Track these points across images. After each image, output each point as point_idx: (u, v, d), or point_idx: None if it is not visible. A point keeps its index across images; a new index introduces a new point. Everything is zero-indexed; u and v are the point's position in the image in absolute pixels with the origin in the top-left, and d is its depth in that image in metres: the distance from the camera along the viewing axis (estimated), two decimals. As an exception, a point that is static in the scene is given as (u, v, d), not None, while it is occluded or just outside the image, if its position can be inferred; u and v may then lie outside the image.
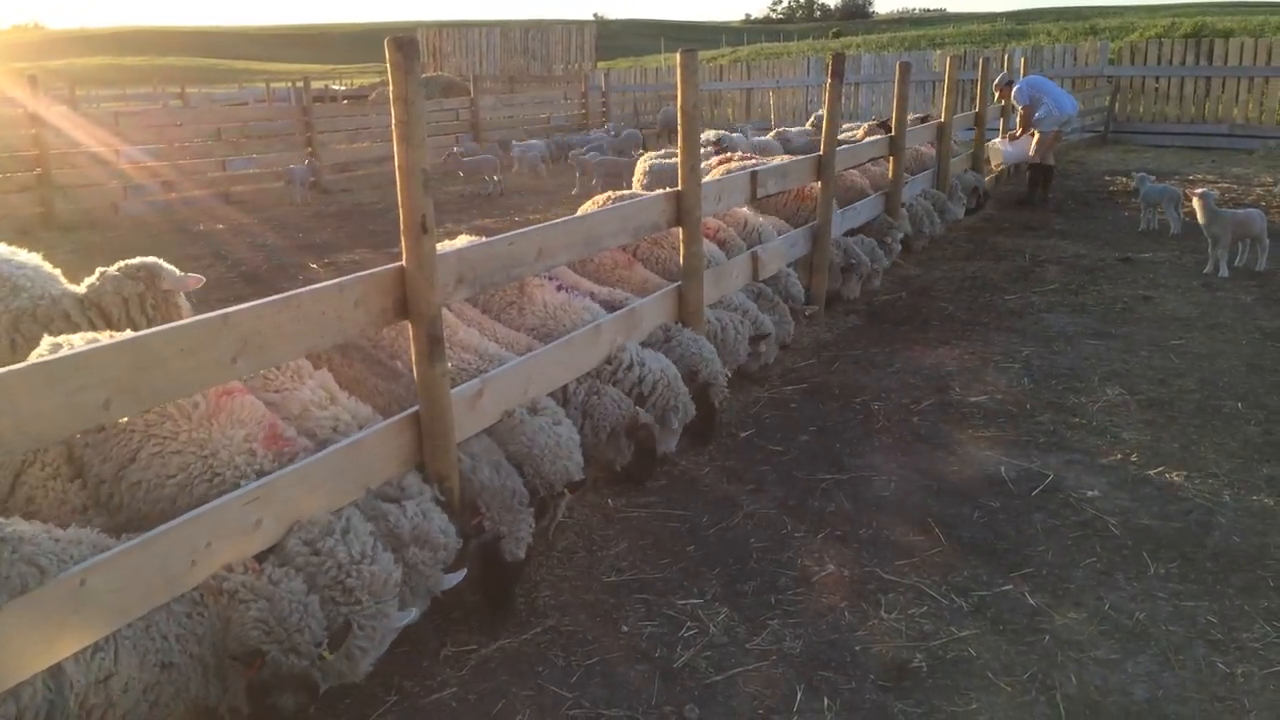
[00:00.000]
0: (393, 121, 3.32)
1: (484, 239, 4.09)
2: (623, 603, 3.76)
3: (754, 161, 8.24)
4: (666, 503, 4.59)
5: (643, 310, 5.08)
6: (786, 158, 8.23)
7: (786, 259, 6.90)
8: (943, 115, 10.93)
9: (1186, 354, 6.37)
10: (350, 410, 3.40)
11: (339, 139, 17.55)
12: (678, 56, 5.14)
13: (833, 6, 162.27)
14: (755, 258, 6.29)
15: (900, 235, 8.74)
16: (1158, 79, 18.74)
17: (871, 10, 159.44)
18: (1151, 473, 4.68)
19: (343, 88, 40.33)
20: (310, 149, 16.40)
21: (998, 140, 13.45)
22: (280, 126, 16.98)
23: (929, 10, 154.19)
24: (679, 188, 5.29)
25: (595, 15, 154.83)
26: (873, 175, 9.45)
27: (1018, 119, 13.23)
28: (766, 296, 6.22)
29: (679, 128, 5.22)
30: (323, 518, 3.01)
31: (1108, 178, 14.66)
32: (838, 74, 7.08)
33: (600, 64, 38.45)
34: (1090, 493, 4.50)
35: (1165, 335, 6.79)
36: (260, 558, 3.00)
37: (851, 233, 8.29)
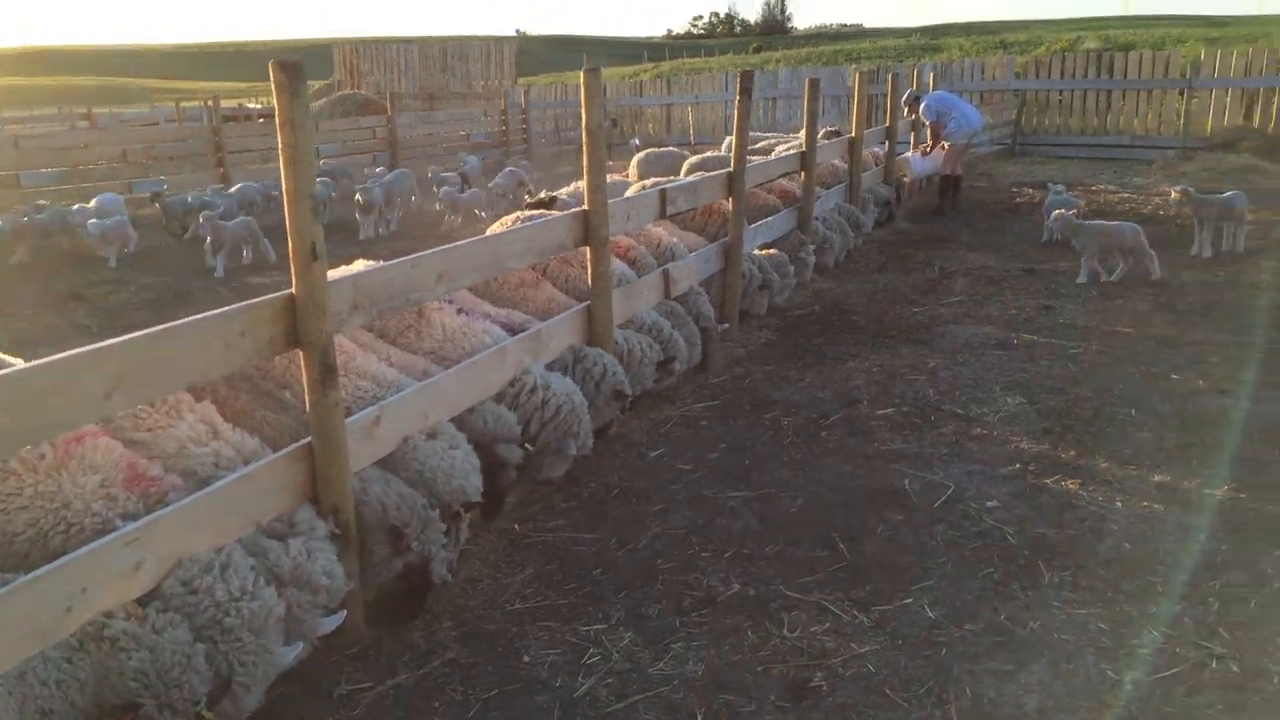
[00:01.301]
0: (279, 145, 3.26)
1: (381, 263, 4.03)
2: (526, 631, 3.72)
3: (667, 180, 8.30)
4: (574, 525, 4.56)
5: (549, 331, 5.06)
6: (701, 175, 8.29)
7: (699, 276, 6.93)
8: (853, 130, 11.12)
9: (1084, 362, 6.55)
10: (235, 444, 3.31)
11: (251, 159, 17.23)
12: (582, 75, 5.14)
13: (753, 22, 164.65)
14: (667, 276, 6.30)
15: (813, 249, 8.85)
16: (1061, 92, 19.32)
17: (791, 26, 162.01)
18: (1049, 481, 4.79)
19: (258, 106, 39.63)
20: (221, 169, 16.07)
21: (909, 153, 13.81)
22: (190, 147, 16.61)
23: (846, 25, 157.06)
24: (585, 207, 5.28)
25: (517, 31, 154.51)
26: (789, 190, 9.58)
27: (928, 134, 13.59)
28: (678, 315, 6.24)
29: (584, 147, 5.21)
30: (203, 556, 2.93)
31: (1014, 189, 15.05)
32: (746, 90, 7.16)
33: (522, 80, 38.41)
34: (990, 503, 4.59)
35: (1065, 344, 6.97)
36: (146, 601, 2.90)
37: (766, 247, 8.39)
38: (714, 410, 5.95)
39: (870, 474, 4.98)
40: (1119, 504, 4.51)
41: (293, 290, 3.32)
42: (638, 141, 22.68)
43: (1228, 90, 17.80)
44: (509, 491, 4.47)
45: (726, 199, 7.37)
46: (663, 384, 5.91)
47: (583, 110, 5.16)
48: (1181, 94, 18.11)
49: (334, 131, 19.13)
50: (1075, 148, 18.88)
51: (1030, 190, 14.58)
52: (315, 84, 38.90)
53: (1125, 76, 18.68)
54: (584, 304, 5.39)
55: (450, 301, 5.00)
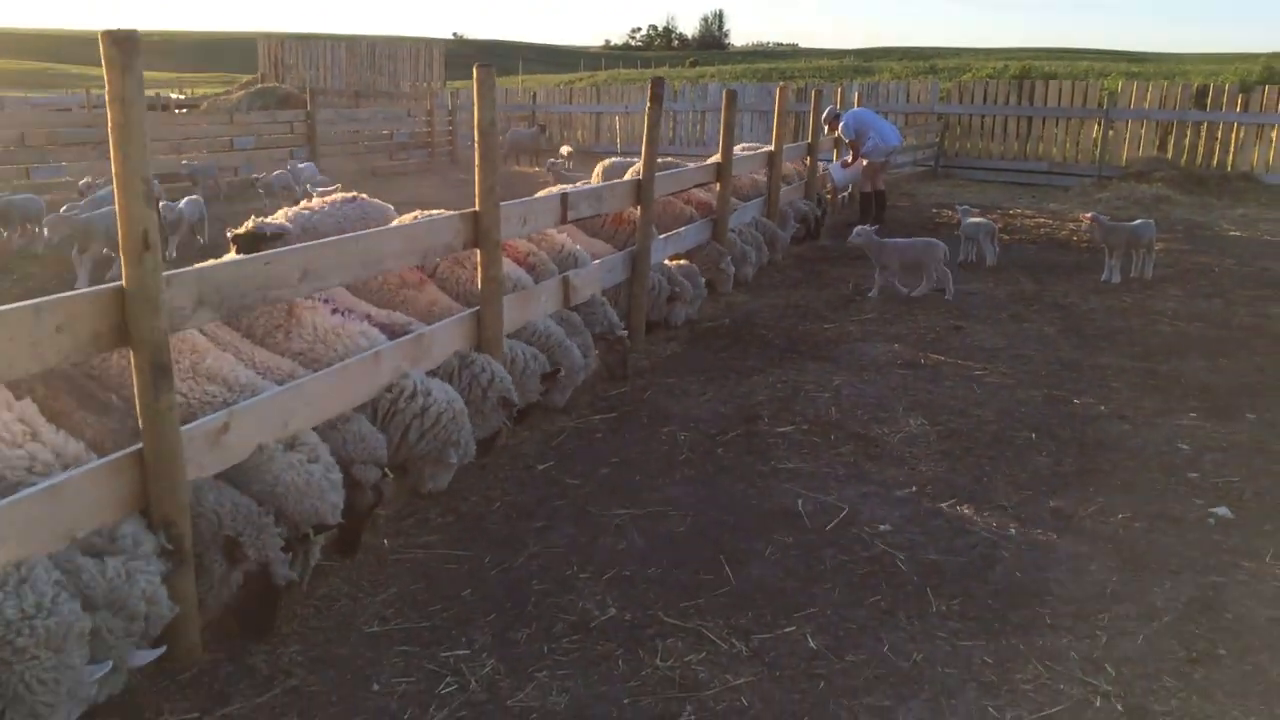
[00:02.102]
0: (109, 125, 2.96)
1: (238, 256, 3.74)
2: (381, 656, 3.44)
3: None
4: (448, 542, 4.30)
5: (433, 336, 4.79)
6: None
7: (603, 284, 6.72)
8: (773, 144, 11.03)
9: (988, 384, 6.48)
10: (55, 448, 3.00)
11: (162, 149, 16.57)
12: (474, 71, 4.90)
13: (690, 37, 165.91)
14: (566, 283, 6.08)
15: (729, 259, 8.74)
16: (983, 117, 19.57)
17: (728, 42, 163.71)
18: (943, 505, 4.66)
19: (181, 96, 38.55)
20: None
21: (832, 164, 13.88)
22: (96, 134, 15.90)
23: (782, 44, 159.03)
24: (476, 208, 5.04)
25: (455, 34, 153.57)
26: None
27: (849, 150, 13.67)
28: (573, 324, 6.01)
29: (475, 146, 4.97)
30: (-5, 571, 2.62)
31: (934, 210, 15.15)
32: (657, 98, 6.98)
33: (455, 83, 37.92)
34: (882, 526, 4.44)
35: (971, 365, 6.90)
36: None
37: (678, 257, 8.23)
38: (610, 423, 5.73)
39: (764, 494, 4.80)
40: (1012, 530, 4.39)
41: (122, 283, 3.02)
42: (567, 149, 22.46)
43: (1143, 122, 18.19)
44: (365, 520, 4.14)
45: (635, 207, 7.18)
46: (552, 397, 5.67)
47: (475, 108, 4.92)
48: (1099, 124, 18.46)
49: (249, 125, 18.51)
50: (996, 171, 19.14)
51: (950, 211, 14.64)
52: (242, 78, 37.95)
53: (1045, 104, 18.99)
54: (473, 309, 5.13)
55: (326, 300, 4.71)
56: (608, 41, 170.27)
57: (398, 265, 4.69)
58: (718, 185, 9.16)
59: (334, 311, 4.58)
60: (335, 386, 4.08)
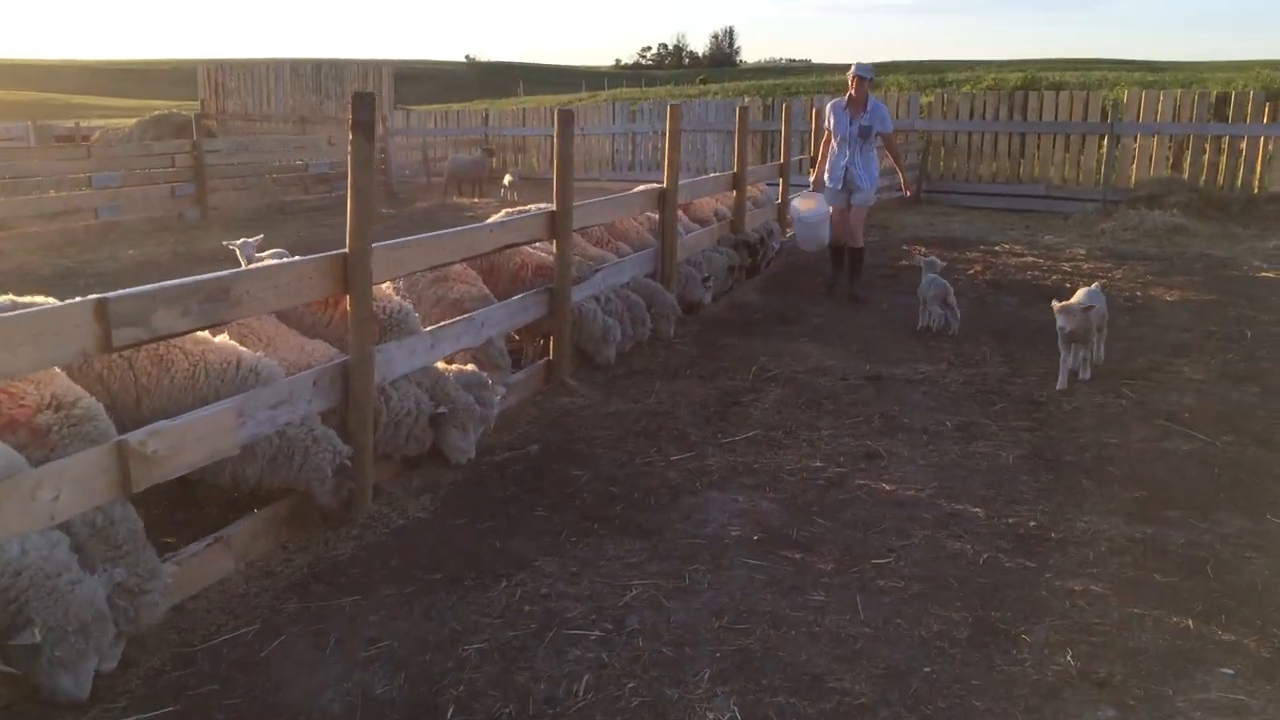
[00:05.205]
0: None
1: None
2: None
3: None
4: None
5: None
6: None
7: (264, 429, 4.13)
8: (664, 178, 8.47)
9: (883, 596, 3.83)
10: None
11: (24, 187, 14.12)
12: None
13: (701, 55, 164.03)
14: (123, 453, 3.46)
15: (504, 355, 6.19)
16: (969, 134, 16.91)
17: (739, 59, 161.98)
18: None
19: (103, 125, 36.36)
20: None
21: (797, 200, 10.09)
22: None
23: (795, 61, 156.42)
24: None
25: (467, 56, 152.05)
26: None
27: (888, 159, 10.34)
28: (111, 540, 3.36)
29: None
30: None
31: (905, 248, 12.52)
32: (362, 124, 4.40)
33: (479, 104, 35.47)
34: None
35: (868, 545, 4.27)
36: None
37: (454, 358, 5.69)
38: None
39: None
40: None
41: None
42: (511, 177, 19.90)
43: (1154, 137, 15.46)
44: None
45: (339, 296, 4.58)
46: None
47: None
48: (1101, 140, 15.75)
49: (116, 159, 16.04)
50: (985, 197, 16.47)
51: (924, 250, 12.02)
52: (188, 105, 35.70)
53: (1040, 118, 16.30)
54: None
55: None
56: (618, 61, 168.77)
57: None
58: (553, 243, 6.60)
59: None
60: None
